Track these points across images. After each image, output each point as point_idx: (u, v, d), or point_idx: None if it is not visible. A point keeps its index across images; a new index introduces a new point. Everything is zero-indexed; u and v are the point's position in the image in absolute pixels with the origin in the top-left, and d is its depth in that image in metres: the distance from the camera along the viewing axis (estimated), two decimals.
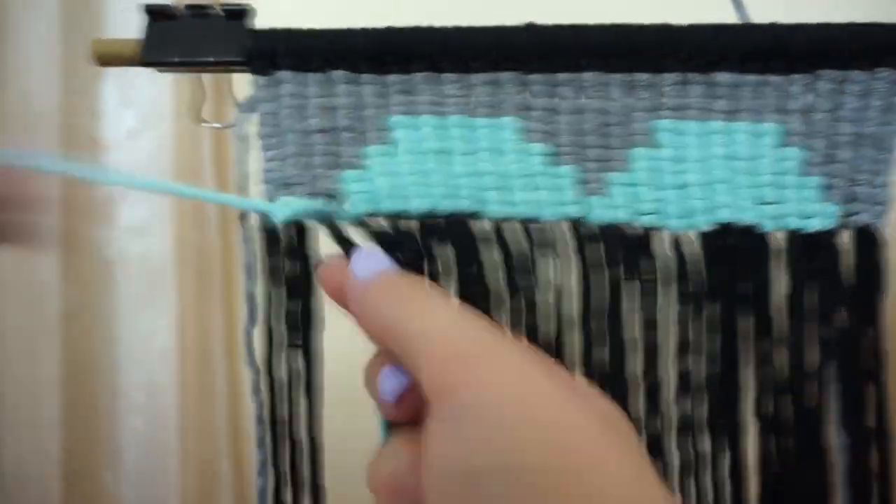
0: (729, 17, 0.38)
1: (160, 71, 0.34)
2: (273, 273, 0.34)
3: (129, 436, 0.75)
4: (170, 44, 0.33)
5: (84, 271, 0.73)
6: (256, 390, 0.35)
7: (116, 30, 0.72)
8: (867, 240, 0.35)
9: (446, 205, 0.34)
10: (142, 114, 0.74)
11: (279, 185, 0.34)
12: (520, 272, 0.33)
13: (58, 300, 0.69)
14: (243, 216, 0.34)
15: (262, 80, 0.33)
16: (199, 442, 0.78)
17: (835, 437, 0.35)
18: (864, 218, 0.35)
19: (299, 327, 0.35)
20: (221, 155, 0.80)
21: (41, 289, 0.69)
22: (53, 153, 0.69)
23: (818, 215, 0.35)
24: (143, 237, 0.74)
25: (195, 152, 0.78)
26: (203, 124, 0.38)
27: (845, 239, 0.36)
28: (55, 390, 0.69)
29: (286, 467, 0.35)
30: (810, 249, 0.35)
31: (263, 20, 0.34)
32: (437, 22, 0.34)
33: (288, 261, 0.34)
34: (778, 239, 0.35)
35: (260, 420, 0.35)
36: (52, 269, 0.69)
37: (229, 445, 0.80)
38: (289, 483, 0.35)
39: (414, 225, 0.34)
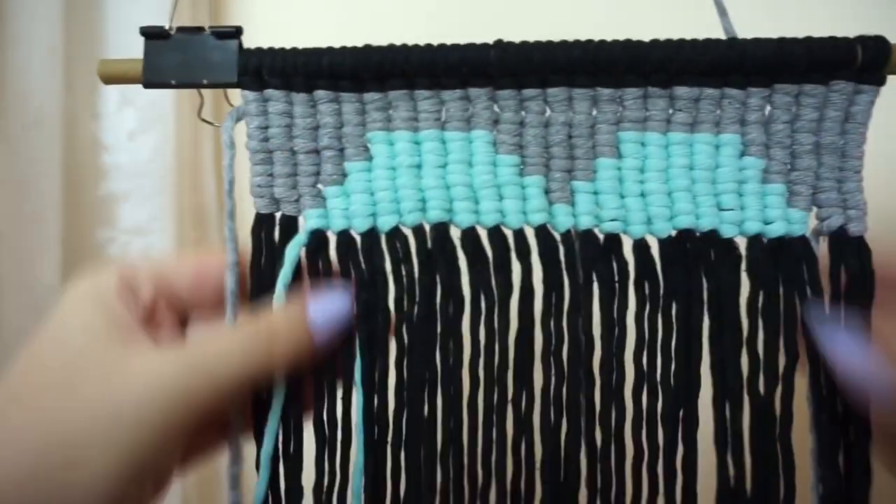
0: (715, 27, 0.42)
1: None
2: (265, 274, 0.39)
3: None
4: (167, 65, 0.38)
5: (84, 271, 0.77)
6: None
7: (117, 31, 0.76)
8: (842, 243, 0.39)
9: (417, 217, 0.38)
10: (142, 114, 0.78)
11: (269, 202, 0.39)
12: (485, 276, 0.38)
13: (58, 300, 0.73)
14: (231, 216, 0.39)
15: (250, 94, 0.38)
16: None
17: (810, 441, 0.39)
18: (836, 222, 0.39)
19: None
20: (221, 155, 0.84)
21: (41, 289, 0.72)
22: (54, 154, 0.73)
23: (782, 220, 0.39)
24: (143, 237, 0.78)
25: (195, 152, 0.82)
26: (204, 122, 0.43)
27: (822, 244, 0.39)
28: None
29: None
30: (775, 254, 0.39)
31: (251, 39, 0.39)
32: (415, 40, 0.38)
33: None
34: (739, 244, 0.39)
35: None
36: (52, 269, 0.73)
37: None
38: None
39: (384, 238, 0.38)
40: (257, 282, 0.39)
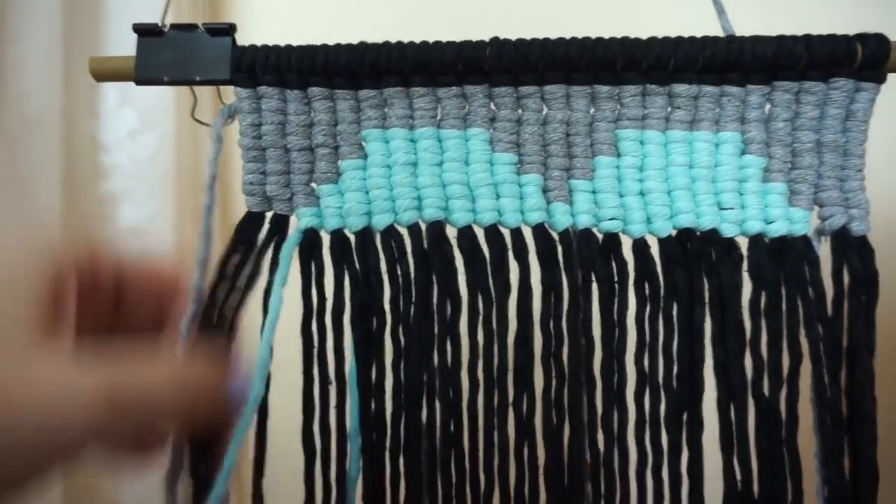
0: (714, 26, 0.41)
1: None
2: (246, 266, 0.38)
3: None
4: (160, 62, 0.37)
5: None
6: None
7: (117, 31, 0.76)
8: (844, 243, 0.38)
9: (412, 215, 0.38)
10: (142, 114, 0.78)
11: (261, 199, 0.39)
12: (482, 276, 0.37)
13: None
14: (209, 211, 0.38)
15: (243, 92, 0.38)
16: None
17: (815, 437, 0.38)
18: (838, 221, 0.38)
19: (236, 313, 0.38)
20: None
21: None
22: (54, 153, 0.73)
23: (783, 220, 0.39)
24: (143, 237, 0.79)
25: (195, 152, 0.82)
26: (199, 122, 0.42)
27: (824, 243, 0.39)
28: None
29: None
30: (777, 253, 0.38)
31: (245, 37, 0.39)
32: (410, 37, 0.38)
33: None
34: (741, 244, 0.39)
35: None
36: None
37: None
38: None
39: (379, 236, 0.38)
40: (221, 279, 0.38)
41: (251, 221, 0.38)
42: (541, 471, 0.37)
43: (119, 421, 0.30)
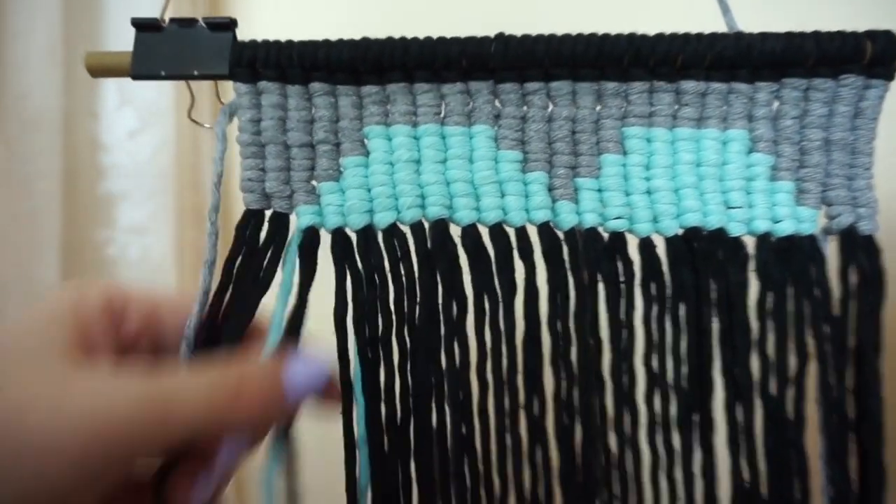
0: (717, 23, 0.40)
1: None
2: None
3: None
4: (157, 57, 0.36)
5: (84, 271, 0.77)
6: None
7: (116, 31, 0.75)
8: (852, 242, 0.37)
9: (415, 213, 0.36)
10: (142, 114, 0.77)
11: (259, 197, 0.37)
12: (487, 276, 0.36)
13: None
14: (216, 209, 0.37)
15: (243, 87, 0.37)
16: None
17: (819, 442, 0.37)
18: (845, 220, 0.37)
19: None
20: None
21: (40, 288, 0.71)
22: (53, 153, 0.72)
23: (791, 219, 0.38)
24: (142, 236, 0.78)
25: (195, 151, 0.81)
26: (195, 123, 0.41)
27: (831, 242, 0.38)
28: None
29: None
30: (784, 252, 0.37)
31: (245, 32, 0.37)
32: (413, 33, 0.37)
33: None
34: (748, 243, 0.38)
35: None
36: (51, 268, 0.72)
37: None
38: None
39: (381, 235, 0.37)
40: (226, 281, 0.36)
41: (250, 220, 0.37)
42: (555, 473, 0.36)
43: (157, 427, 0.29)
